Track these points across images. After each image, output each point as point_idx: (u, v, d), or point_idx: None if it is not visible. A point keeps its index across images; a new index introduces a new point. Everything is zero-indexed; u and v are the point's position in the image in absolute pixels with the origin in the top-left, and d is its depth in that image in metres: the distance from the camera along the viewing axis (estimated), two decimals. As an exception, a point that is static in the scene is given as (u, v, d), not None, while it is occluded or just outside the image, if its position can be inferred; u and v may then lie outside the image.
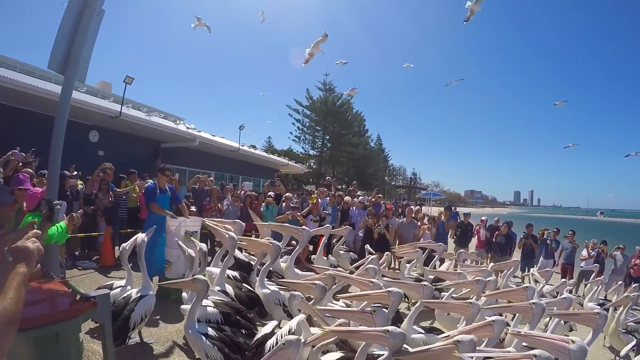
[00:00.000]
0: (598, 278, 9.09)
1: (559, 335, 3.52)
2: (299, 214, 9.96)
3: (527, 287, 5.45)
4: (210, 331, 3.93)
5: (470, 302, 4.56)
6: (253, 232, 9.42)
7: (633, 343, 5.88)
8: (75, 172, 9.35)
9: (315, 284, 4.59)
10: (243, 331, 4.45)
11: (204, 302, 4.30)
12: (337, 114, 49.38)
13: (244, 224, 7.17)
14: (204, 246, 5.41)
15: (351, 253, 9.41)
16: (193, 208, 9.20)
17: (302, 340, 3.02)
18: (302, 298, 4.18)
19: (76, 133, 12.71)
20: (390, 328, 3.15)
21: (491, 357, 3.21)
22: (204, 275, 4.83)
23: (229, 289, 5.28)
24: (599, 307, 7.08)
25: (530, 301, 4.57)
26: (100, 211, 9.25)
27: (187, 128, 17.54)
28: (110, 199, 9.28)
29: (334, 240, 9.81)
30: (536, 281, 8.66)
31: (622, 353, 5.82)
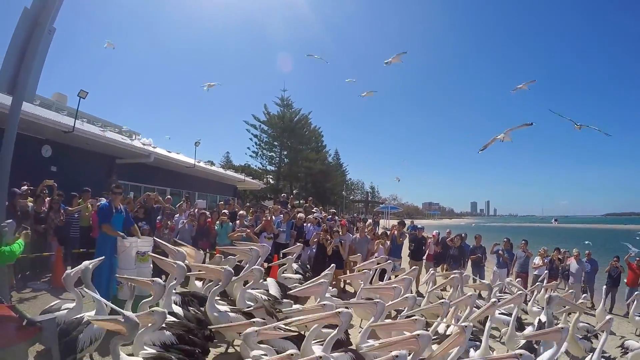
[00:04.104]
0: (550, 283, 9.44)
1: (506, 354, 3.72)
2: (251, 230, 10.04)
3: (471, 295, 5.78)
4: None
5: (415, 319, 4.75)
6: (208, 250, 9.42)
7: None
8: (26, 188, 9.14)
9: (253, 322, 4.69)
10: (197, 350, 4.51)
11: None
12: (294, 130, 49.62)
13: (202, 254, 7.26)
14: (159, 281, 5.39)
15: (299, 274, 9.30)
16: (145, 227, 9.14)
17: None
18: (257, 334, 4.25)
19: (28, 147, 12.41)
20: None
21: None
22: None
23: (177, 309, 5.30)
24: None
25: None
26: (51, 230, 9.06)
27: (143, 144, 17.28)
28: (62, 218, 9.13)
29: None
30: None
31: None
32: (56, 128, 12.51)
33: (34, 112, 11.47)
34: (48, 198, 9.35)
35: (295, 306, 6.48)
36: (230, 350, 5.75)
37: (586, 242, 13.18)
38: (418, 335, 3.94)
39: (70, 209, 9.39)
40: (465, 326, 4.41)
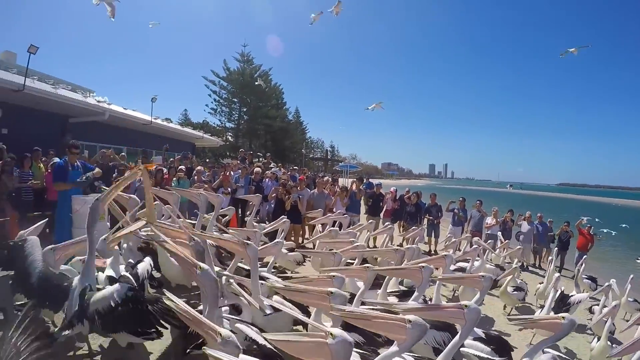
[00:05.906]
0: (504, 242, 9.86)
1: (452, 303, 3.90)
2: (208, 186, 10.03)
3: (408, 247, 6.17)
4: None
5: (367, 266, 4.93)
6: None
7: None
8: None
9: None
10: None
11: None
12: (254, 86, 48.88)
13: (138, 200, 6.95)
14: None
15: (263, 224, 9.34)
16: (102, 185, 8.99)
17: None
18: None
19: (-23, 110, 11.97)
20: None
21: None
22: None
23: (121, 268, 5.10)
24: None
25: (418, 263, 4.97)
26: (4, 195, 8.69)
27: (98, 102, 16.70)
28: (14, 183, 8.72)
29: (247, 212, 9.90)
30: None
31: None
32: (5, 87, 11.91)
33: (-19, 72, 10.94)
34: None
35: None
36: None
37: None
38: (333, 276, 4.15)
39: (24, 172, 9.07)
40: (424, 267, 4.63)
